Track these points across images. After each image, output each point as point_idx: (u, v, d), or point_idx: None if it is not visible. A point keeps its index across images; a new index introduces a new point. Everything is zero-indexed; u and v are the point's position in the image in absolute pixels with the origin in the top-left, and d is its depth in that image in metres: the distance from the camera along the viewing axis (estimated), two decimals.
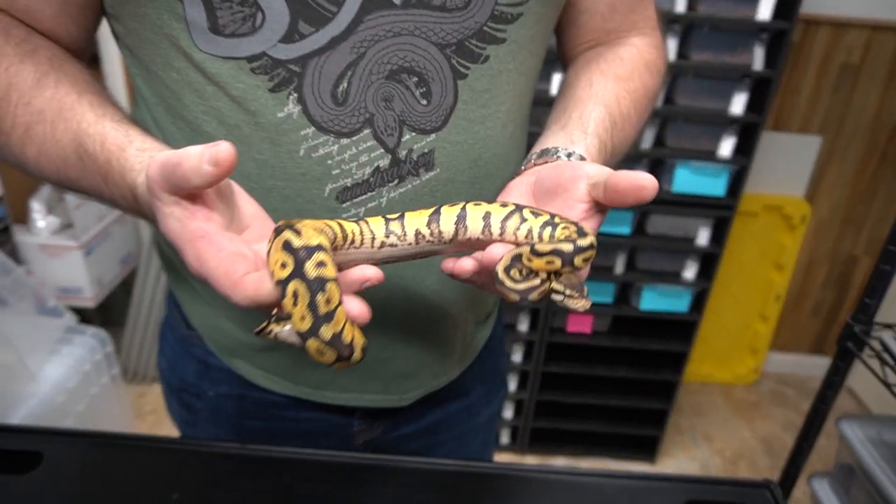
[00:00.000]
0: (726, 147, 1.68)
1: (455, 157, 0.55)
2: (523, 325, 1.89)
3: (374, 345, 0.63)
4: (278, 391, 0.68)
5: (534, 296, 0.43)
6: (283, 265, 0.37)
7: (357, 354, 0.40)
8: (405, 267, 0.54)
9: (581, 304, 0.42)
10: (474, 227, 0.46)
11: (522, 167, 0.55)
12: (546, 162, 0.53)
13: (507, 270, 0.43)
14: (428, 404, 0.74)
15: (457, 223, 0.46)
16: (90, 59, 0.61)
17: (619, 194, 0.43)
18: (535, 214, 0.45)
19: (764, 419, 2.33)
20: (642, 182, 0.42)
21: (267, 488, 0.68)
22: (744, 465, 2.11)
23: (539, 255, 0.42)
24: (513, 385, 1.99)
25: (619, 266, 1.85)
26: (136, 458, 0.71)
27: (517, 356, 1.93)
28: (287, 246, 0.37)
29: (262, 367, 0.67)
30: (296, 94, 0.50)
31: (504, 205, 0.46)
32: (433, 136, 0.54)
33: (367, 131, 0.52)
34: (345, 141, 0.52)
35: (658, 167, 1.77)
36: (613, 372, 1.96)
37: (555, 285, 0.43)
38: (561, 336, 1.92)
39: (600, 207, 0.47)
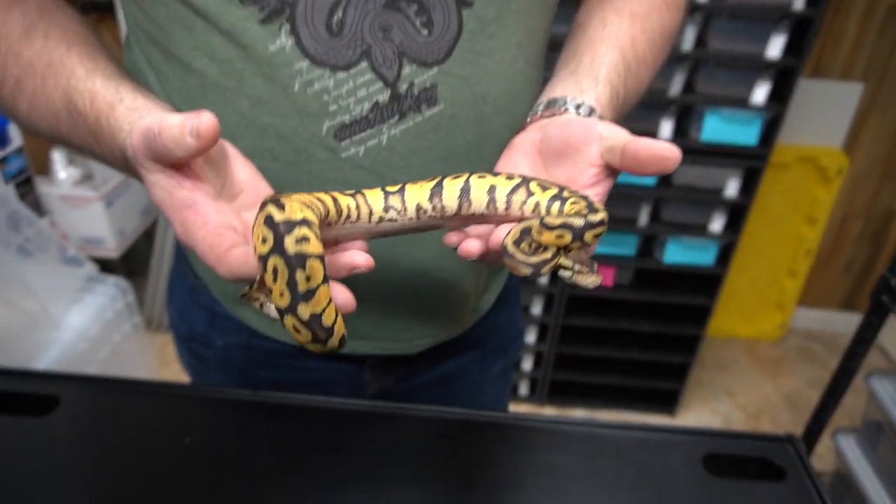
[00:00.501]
0: (760, 93, 1.59)
1: (460, 92, 0.52)
2: (544, 278, 1.87)
3: (382, 293, 0.62)
4: (284, 340, 0.67)
5: (545, 269, 0.41)
6: (264, 240, 0.35)
7: (334, 341, 0.38)
8: None
9: (591, 279, 0.41)
10: (479, 201, 0.43)
11: (528, 119, 0.52)
12: (553, 114, 0.50)
13: (516, 244, 0.41)
14: (441, 355, 0.73)
15: (460, 197, 0.43)
16: (87, 5, 0.58)
17: (638, 163, 0.41)
18: (543, 188, 0.42)
19: (789, 375, 2.30)
20: (664, 153, 0.40)
21: (277, 434, 0.68)
22: (766, 419, 2.09)
23: (549, 228, 0.40)
24: (532, 337, 1.98)
25: (643, 218, 1.80)
26: (149, 403, 0.72)
27: (537, 308, 1.92)
28: (268, 220, 0.35)
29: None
30: (288, 25, 0.47)
31: (510, 177, 0.43)
32: (435, 69, 0.51)
33: (364, 64, 0.49)
34: (341, 75, 0.49)
35: (686, 114, 1.70)
36: (635, 326, 1.93)
37: (562, 261, 0.41)
38: (582, 289, 1.89)
39: (611, 171, 0.45)
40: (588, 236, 0.40)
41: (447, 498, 0.62)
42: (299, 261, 0.35)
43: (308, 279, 0.35)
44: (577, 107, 0.50)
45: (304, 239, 0.35)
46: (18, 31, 0.48)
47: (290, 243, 0.35)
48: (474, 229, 0.46)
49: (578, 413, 2.08)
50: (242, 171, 0.43)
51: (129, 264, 2.13)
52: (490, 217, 0.44)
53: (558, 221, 0.40)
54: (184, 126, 0.35)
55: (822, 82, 2.04)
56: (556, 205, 0.42)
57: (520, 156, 0.49)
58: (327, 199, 0.42)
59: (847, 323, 2.48)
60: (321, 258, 0.36)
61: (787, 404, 2.17)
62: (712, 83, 1.62)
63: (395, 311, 0.64)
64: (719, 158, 1.67)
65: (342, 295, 0.39)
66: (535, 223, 0.41)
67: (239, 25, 0.47)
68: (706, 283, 1.87)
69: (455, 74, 0.51)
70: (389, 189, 0.44)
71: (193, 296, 0.71)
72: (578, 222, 0.40)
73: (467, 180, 0.43)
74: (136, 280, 2.11)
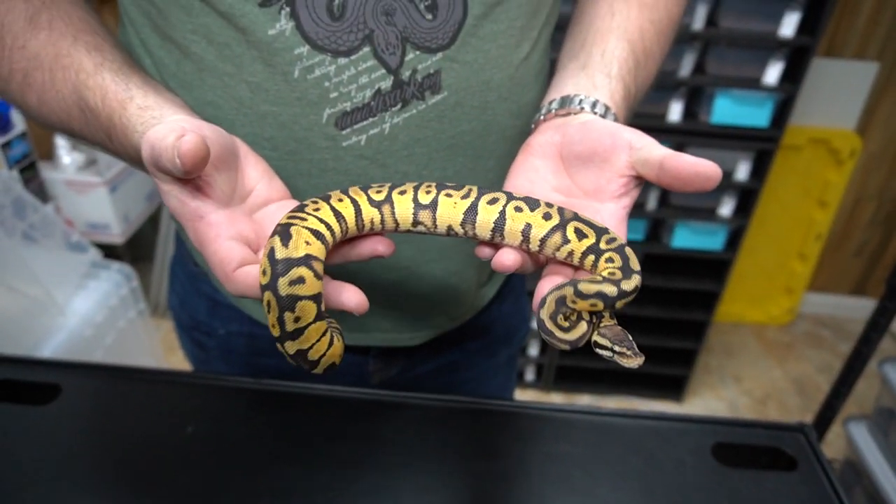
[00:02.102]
0: (773, 74, 1.56)
1: (464, 78, 0.50)
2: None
3: (383, 286, 0.61)
4: None
5: (582, 343, 0.41)
6: (265, 272, 0.37)
7: (319, 370, 0.41)
8: None
9: (636, 361, 0.40)
10: (512, 238, 0.42)
11: (541, 116, 0.50)
12: (569, 113, 0.48)
13: (553, 318, 0.40)
14: (446, 344, 0.72)
15: (493, 230, 0.42)
16: None
17: (680, 181, 0.40)
18: (580, 235, 0.41)
19: (797, 360, 2.28)
20: (707, 171, 0.39)
21: (280, 423, 0.67)
22: (773, 405, 2.08)
23: (583, 296, 0.40)
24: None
25: (652, 202, 1.78)
26: (152, 391, 0.71)
27: None
28: (271, 255, 0.36)
29: None
30: (288, 8, 0.45)
31: (547, 217, 0.42)
32: (439, 55, 0.49)
33: (366, 49, 0.47)
34: (342, 61, 0.47)
35: (696, 96, 1.66)
36: (642, 311, 1.92)
37: (599, 339, 0.41)
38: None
39: (639, 181, 0.43)
40: (619, 304, 0.40)
41: (452, 486, 0.61)
42: (290, 302, 0.36)
43: (297, 319, 0.37)
44: (593, 105, 0.48)
45: (300, 280, 0.36)
46: (22, 22, 0.47)
47: (283, 284, 0.36)
48: None
49: (585, 399, 2.08)
50: (254, 169, 0.43)
51: (135, 250, 2.13)
52: (521, 251, 0.43)
53: (593, 290, 0.39)
54: (172, 155, 0.35)
55: (836, 62, 1.99)
56: (591, 258, 0.41)
57: (539, 158, 0.47)
58: (349, 213, 0.41)
59: (857, 308, 2.45)
60: (315, 298, 0.37)
61: (795, 389, 2.15)
62: (723, 63, 1.59)
63: (397, 303, 0.62)
64: (729, 141, 1.64)
65: (355, 298, 0.40)
66: (569, 292, 0.40)
67: (237, 7, 0.46)
68: (714, 268, 1.85)
69: (459, 60, 0.50)
70: (421, 200, 0.42)
71: (194, 283, 0.70)
72: (612, 292, 0.40)
73: (503, 212, 0.42)
74: (141, 266, 2.11)
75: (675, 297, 1.92)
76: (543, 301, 0.40)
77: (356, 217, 0.42)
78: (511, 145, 0.56)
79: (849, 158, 2.07)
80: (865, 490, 1.02)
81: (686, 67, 1.60)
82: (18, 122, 1.70)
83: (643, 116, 1.66)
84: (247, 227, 0.40)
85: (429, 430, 0.67)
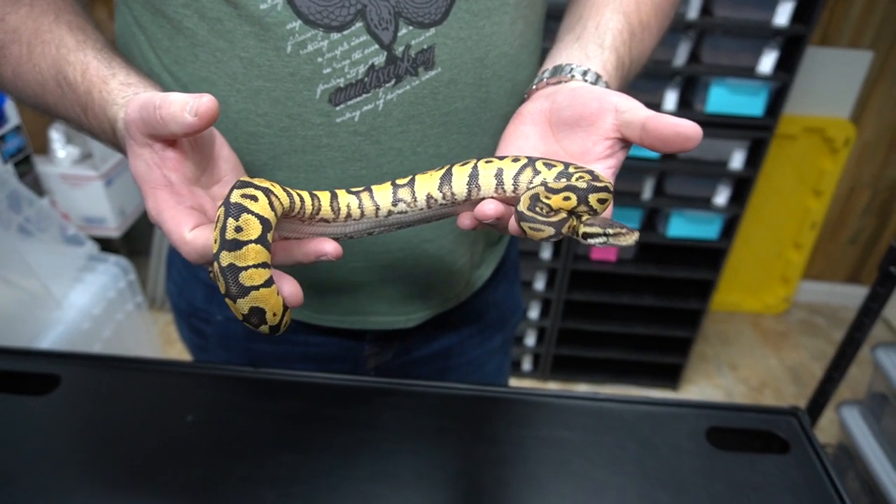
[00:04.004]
0: (767, 62, 1.56)
1: (458, 54, 0.51)
2: (546, 253, 1.86)
3: (376, 268, 0.61)
4: None
5: (565, 228, 0.41)
6: (218, 218, 0.36)
7: (243, 305, 0.36)
8: None
9: (633, 236, 0.40)
10: (487, 186, 0.43)
11: (534, 86, 0.51)
12: (560, 81, 0.49)
13: (531, 209, 0.41)
14: (440, 329, 0.72)
15: (469, 183, 0.43)
16: None
17: (661, 141, 0.40)
18: (549, 166, 0.43)
19: (793, 349, 2.29)
20: (688, 130, 0.40)
21: (279, 411, 0.68)
22: (769, 393, 2.10)
23: (554, 191, 0.41)
24: (535, 312, 1.98)
25: (647, 191, 1.78)
26: (151, 381, 0.72)
27: (540, 283, 1.91)
28: (225, 200, 0.36)
29: None
30: None
31: (516, 159, 0.44)
32: (432, 30, 0.49)
33: (359, 24, 0.48)
34: (335, 36, 0.47)
35: (691, 85, 1.67)
36: (638, 300, 1.92)
37: (588, 229, 0.41)
38: (585, 263, 1.88)
39: (625, 143, 0.44)
40: (592, 199, 0.40)
41: (450, 472, 0.62)
42: (236, 211, 0.35)
43: (238, 230, 0.35)
44: (584, 73, 0.48)
45: (252, 198, 0.36)
46: None
47: (236, 195, 0.35)
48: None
49: (582, 388, 2.09)
50: (226, 162, 0.43)
51: (131, 244, 2.13)
52: (500, 199, 0.44)
53: (562, 184, 0.41)
54: (185, 103, 0.35)
55: (831, 50, 2.00)
56: (563, 181, 0.42)
57: (528, 125, 0.48)
58: (324, 195, 0.42)
59: (851, 296, 2.47)
60: (263, 221, 0.36)
61: (790, 377, 2.17)
62: (718, 53, 1.59)
63: (390, 285, 0.63)
64: (725, 130, 1.64)
65: (288, 287, 0.38)
66: (540, 189, 0.41)
67: None
68: (710, 256, 1.86)
69: (453, 36, 0.50)
70: (399, 182, 0.44)
71: (192, 270, 0.70)
72: (581, 185, 0.40)
73: (475, 166, 0.44)
74: (138, 259, 2.10)
75: (670, 286, 1.93)
76: (519, 199, 0.41)
77: (332, 200, 0.42)
78: (505, 122, 0.57)
79: (843, 147, 2.08)
80: (858, 474, 1.03)
81: (681, 56, 1.60)
82: (13, 116, 1.69)
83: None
84: (209, 206, 0.40)
85: (426, 416, 0.68)
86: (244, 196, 0.35)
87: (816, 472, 0.64)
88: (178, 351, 1.98)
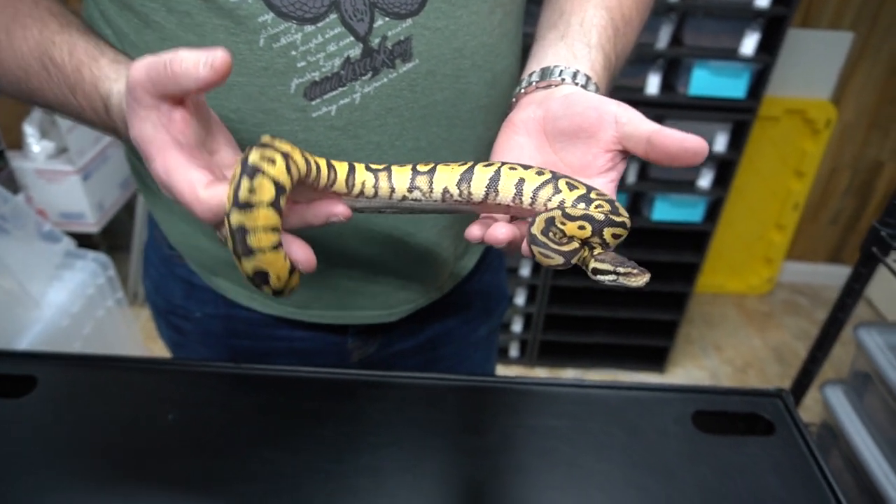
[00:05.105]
0: (749, 44, 1.56)
1: (436, 45, 0.49)
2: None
3: (358, 261, 0.60)
4: (261, 310, 0.65)
5: (575, 259, 0.41)
6: (234, 176, 0.35)
7: (247, 266, 0.36)
8: None
9: (643, 278, 0.40)
10: (505, 193, 0.43)
11: (522, 90, 0.49)
12: (549, 85, 0.47)
13: (544, 233, 0.40)
14: (425, 320, 0.71)
15: (488, 186, 0.43)
16: None
17: (668, 156, 0.40)
18: (571, 187, 0.42)
19: (776, 329, 2.32)
20: (695, 147, 0.39)
21: (262, 407, 0.67)
22: (753, 373, 2.12)
23: (571, 218, 0.40)
24: (522, 299, 1.98)
25: (631, 175, 1.78)
26: (130, 379, 0.70)
27: (525, 270, 1.91)
28: (243, 160, 0.35)
29: (243, 286, 0.64)
30: None
31: (540, 172, 0.43)
32: (409, 21, 0.48)
33: (333, 16, 0.46)
34: (309, 28, 0.46)
35: (674, 68, 1.66)
36: None
37: (598, 265, 0.41)
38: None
39: (625, 155, 0.43)
40: (607, 233, 0.40)
41: (436, 465, 0.61)
42: (252, 171, 0.34)
43: (251, 191, 0.34)
44: (574, 76, 0.47)
45: (270, 160, 0.35)
46: None
47: (255, 156, 0.35)
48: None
49: (569, 373, 2.10)
50: (222, 135, 0.42)
51: (110, 239, 2.10)
52: (514, 209, 0.44)
53: (580, 212, 0.40)
54: (199, 57, 0.34)
55: (812, 32, 2.00)
56: (582, 205, 0.41)
57: (523, 136, 0.47)
58: (341, 167, 0.41)
59: (833, 275, 2.50)
60: (277, 185, 0.35)
61: (774, 357, 2.19)
62: (700, 35, 1.59)
63: (372, 278, 0.62)
64: (707, 113, 1.64)
65: (300, 251, 0.38)
66: (557, 213, 0.41)
67: None
68: (694, 239, 1.87)
69: (430, 27, 0.48)
70: (420, 168, 0.43)
71: (169, 267, 0.69)
72: (599, 216, 0.40)
73: (498, 170, 0.43)
74: (118, 255, 2.07)
75: (656, 270, 1.93)
76: (533, 220, 0.41)
77: (349, 174, 0.41)
78: (486, 114, 0.56)
79: (825, 128, 2.09)
80: (842, 452, 1.05)
81: (663, 39, 1.59)
82: None
83: (621, 90, 1.66)
84: (215, 169, 0.39)
85: (412, 408, 0.67)
86: (263, 158, 0.35)
87: (801, 453, 0.65)
88: (160, 347, 1.95)
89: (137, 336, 1.63)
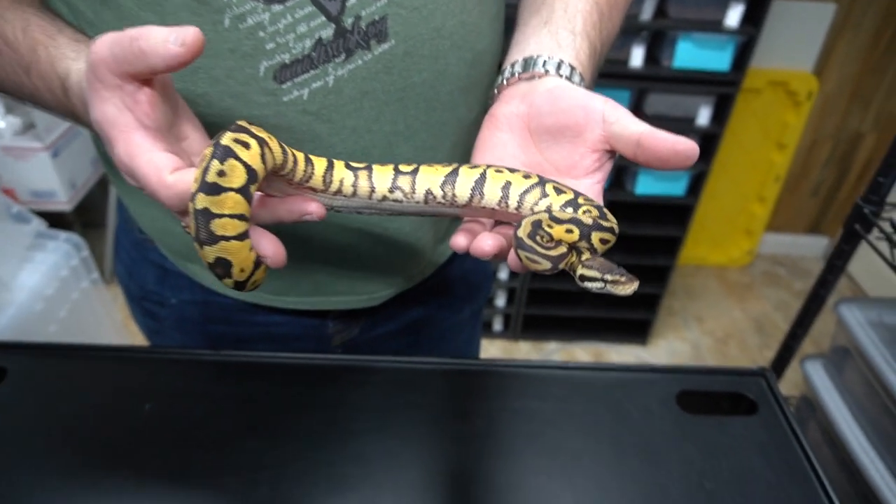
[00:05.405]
0: (734, 16, 1.54)
1: (413, 25, 0.47)
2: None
3: (336, 248, 0.58)
4: (236, 297, 0.64)
5: (562, 264, 0.40)
6: (203, 157, 0.33)
7: (208, 253, 0.34)
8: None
9: (632, 286, 0.39)
10: (491, 197, 0.41)
11: (504, 81, 0.47)
12: (532, 77, 0.45)
13: (531, 237, 0.38)
14: (408, 302, 0.70)
15: (473, 189, 0.41)
16: None
17: (658, 160, 0.38)
18: (558, 191, 0.41)
19: (756, 300, 2.35)
20: (686, 150, 0.37)
21: (243, 395, 0.65)
22: (734, 344, 2.15)
23: (558, 221, 0.39)
24: (505, 273, 1.98)
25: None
26: (105, 369, 0.68)
27: None
28: (216, 142, 0.33)
29: None
30: None
31: (527, 176, 0.41)
32: None
33: None
34: (277, 7, 0.43)
35: (658, 40, 1.64)
36: (607, 258, 1.93)
37: (586, 272, 0.39)
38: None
39: (612, 154, 0.42)
40: (595, 238, 0.39)
41: (421, 449, 0.61)
42: (223, 153, 0.32)
43: (220, 174, 0.32)
44: (558, 67, 0.45)
45: (245, 144, 0.33)
46: None
47: (228, 138, 0.33)
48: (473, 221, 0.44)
49: (552, 346, 2.11)
50: (190, 121, 0.40)
51: (85, 216, 2.04)
52: (499, 213, 0.42)
53: (567, 216, 0.39)
54: (168, 34, 0.32)
55: (795, 3, 1.98)
56: (569, 210, 0.40)
57: (506, 132, 0.45)
58: (320, 162, 0.39)
59: (812, 246, 2.53)
60: (249, 171, 0.33)
61: (754, 328, 2.23)
62: (685, 7, 1.56)
63: (351, 265, 0.60)
64: (691, 86, 1.63)
65: (269, 246, 0.36)
66: (544, 216, 0.39)
67: None
68: (677, 213, 1.87)
69: (406, 6, 0.46)
70: (403, 168, 0.41)
71: (141, 251, 0.66)
72: (587, 220, 0.39)
73: (483, 172, 0.41)
74: (93, 232, 2.02)
75: (639, 244, 1.94)
76: (519, 224, 0.39)
77: (326, 170, 0.39)
78: (466, 96, 0.54)
79: (806, 100, 2.09)
80: (820, 425, 1.07)
81: (647, 11, 1.56)
82: None
83: (604, 63, 1.63)
84: (183, 154, 0.37)
85: (396, 393, 0.66)
86: (236, 141, 0.33)
87: (783, 431, 0.65)
88: None
89: (116, 316, 1.60)
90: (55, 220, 1.57)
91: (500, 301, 2.04)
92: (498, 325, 2.12)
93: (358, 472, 0.58)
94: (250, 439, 0.60)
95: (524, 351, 2.10)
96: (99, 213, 2.10)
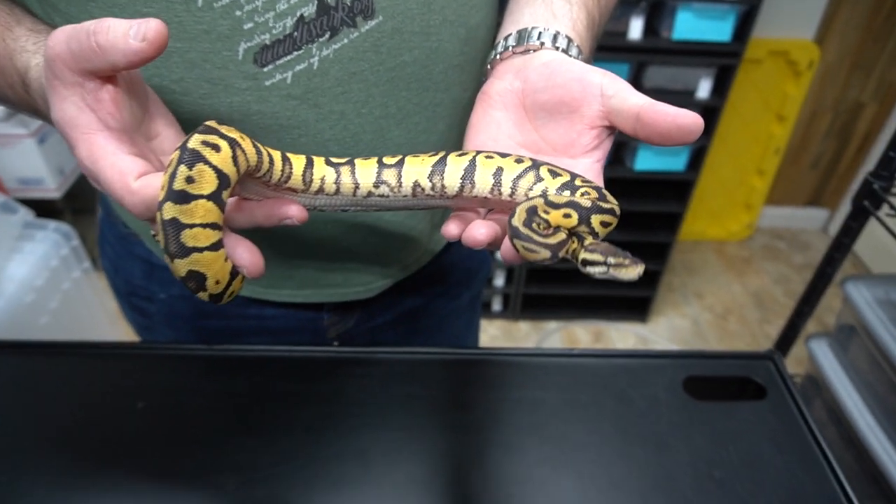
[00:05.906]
0: None
1: (401, 0, 0.44)
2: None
3: (329, 240, 0.56)
4: None
5: (562, 252, 0.37)
6: (171, 163, 0.31)
7: (179, 267, 0.32)
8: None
9: (637, 270, 0.36)
10: (482, 185, 0.39)
11: (497, 55, 0.44)
12: (527, 50, 0.42)
13: (527, 225, 0.35)
14: (405, 292, 0.68)
15: (463, 178, 0.39)
16: None
17: (659, 135, 0.36)
18: (553, 174, 0.38)
19: (756, 274, 2.34)
20: (689, 124, 0.35)
21: (237, 390, 0.63)
22: (734, 319, 2.14)
23: (555, 206, 0.36)
24: None
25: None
26: (94, 366, 0.66)
27: None
28: (181, 146, 0.31)
29: None
30: None
31: (519, 160, 0.39)
32: None
33: None
34: None
35: (657, 11, 1.59)
36: (607, 235, 1.91)
37: (588, 255, 0.37)
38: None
39: (611, 130, 0.39)
40: (595, 221, 0.36)
41: (422, 443, 0.59)
42: (191, 158, 0.30)
43: (189, 181, 0.30)
44: (554, 38, 0.42)
45: (214, 147, 0.30)
46: None
47: (195, 140, 0.30)
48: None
49: (552, 325, 2.10)
50: (163, 118, 0.37)
51: (76, 203, 2.01)
52: (492, 202, 0.39)
53: (564, 199, 0.36)
54: (128, 27, 0.29)
55: None
56: (566, 194, 0.37)
57: (500, 110, 0.42)
58: (298, 160, 0.36)
59: (811, 218, 2.51)
60: (220, 175, 0.31)
61: (754, 302, 2.22)
62: None
63: (345, 257, 0.58)
64: (692, 57, 1.59)
65: (245, 254, 0.34)
66: (539, 201, 0.36)
67: None
68: (677, 189, 1.85)
69: None
70: (387, 161, 0.39)
71: (126, 246, 0.64)
72: (586, 203, 0.36)
73: (473, 160, 0.39)
74: (84, 219, 1.99)
75: (639, 220, 1.92)
76: (513, 212, 0.37)
77: (306, 169, 0.37)
78: (460, 74, 0.51)
79: (807, 70, 2.05)
80: (825, 403, 1.06)
81: None
82: None
83: (601, 35, 1.59)
84: (152, 158, 0.34)
85: (394, 385, 0.64)
86: (205, 144, 0.30)
87: (792, 416, 0.64)
88: None
89: (109, 305, 1.58)
90: (45, 208, 1.54)
91: (499, 280, 2.02)
92: (497, 304, 2.11)
93: (356, 468, 0.57)
94: (246, 436, 0.59)
95: (524, 331, 2.09)
96: (90, 199, 2.07)
